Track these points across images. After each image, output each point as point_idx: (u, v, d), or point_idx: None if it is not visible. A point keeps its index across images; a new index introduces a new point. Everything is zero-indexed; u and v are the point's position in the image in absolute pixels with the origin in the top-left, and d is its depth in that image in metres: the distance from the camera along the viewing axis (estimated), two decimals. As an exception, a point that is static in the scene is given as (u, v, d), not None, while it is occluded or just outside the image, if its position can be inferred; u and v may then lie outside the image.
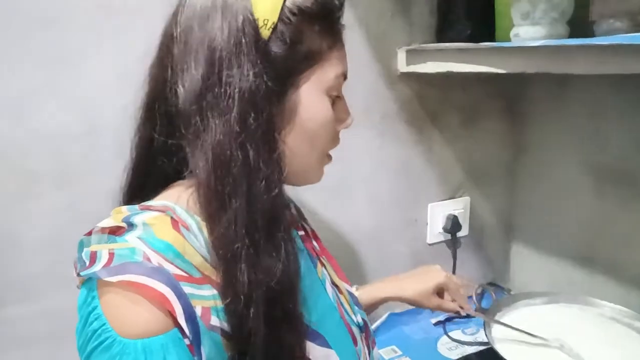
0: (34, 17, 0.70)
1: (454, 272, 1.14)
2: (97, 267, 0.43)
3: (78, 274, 0.45)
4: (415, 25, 0.98)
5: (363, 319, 0.64)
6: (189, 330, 0.43)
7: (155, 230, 0.45)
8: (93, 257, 0.44)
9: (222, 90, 0.46)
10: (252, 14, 0.47)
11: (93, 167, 0.75)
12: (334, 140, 0.57)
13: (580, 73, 0.63)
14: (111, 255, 0.43)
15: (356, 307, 0.65)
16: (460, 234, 1.14)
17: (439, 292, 0.83)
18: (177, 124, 0.49)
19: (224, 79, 0.46)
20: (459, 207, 1.13)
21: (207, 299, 0.45)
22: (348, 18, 0.92)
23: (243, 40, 0.46)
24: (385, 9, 0.96)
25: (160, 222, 0.46)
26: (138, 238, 0.44)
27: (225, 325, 0.46)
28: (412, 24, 0.98)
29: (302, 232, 0.64)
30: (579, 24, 0.73)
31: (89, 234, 0.47)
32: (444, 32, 0.96)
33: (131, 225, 0.46)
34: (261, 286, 0.45)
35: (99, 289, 0.43)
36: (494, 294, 0.88)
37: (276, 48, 0.48)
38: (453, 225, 1.11)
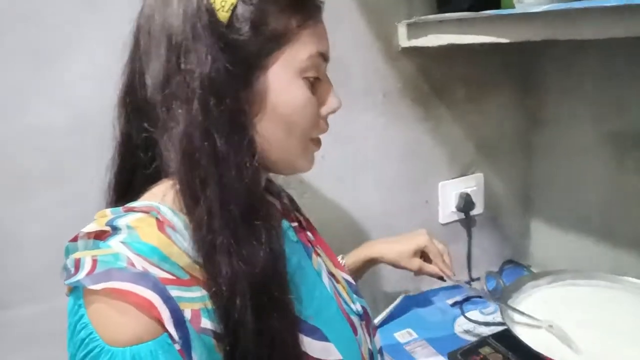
0: (14, 13, 0.69)
1: (469, 251, 1.11)
2: (81, 275, 0.42)
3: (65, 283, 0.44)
4: (415, -3, 0.94)
5: (363, 307, 0.63)
6: (178, 336, 0.42)
7: (140, 233, 0.44)
8: (77, 265, 0.43)
9: (182, 78, 0.45)
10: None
11: (84, 162, 0.74)
12: (316, 125, 0.53)
13: (587, 38, 0.58)
14: (94, 262, 0.42)
15: (355, 296, 0.64)
16: (474, 212, 1.11)
17: (423, 255, 0.84)
18: (148, 116, 0.48)
19: (182, 66, 0.45)
20: (471, 184, 1.09)
21: (196, 301, 0.44)
22: (344, -6, 0.90)
23: (198, 25, 0.44)
24: (383, -18, 0.91)
25: (145, 224, 0.45)
26: (122, 242, 0.43)
27: (217, 327, 0.44)
28: (411, -4, 0.94)
29: (295, 223, 0.62)
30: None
31: (75, 239, 0.46)
32: (445, 3, 0.91)
33: (115, 229, 0.45)
34: (244, 275, 0.44)
35: (85, 297, 0.42)
36: (502, 281, 0.85)
37: (237, 30, 0.46)
38: (466, 203, 1.08)
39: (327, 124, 0.55)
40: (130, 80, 0.50)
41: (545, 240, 1.17)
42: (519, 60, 1.07)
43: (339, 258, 0.73)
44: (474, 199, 1.09)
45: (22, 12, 0.69)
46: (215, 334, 0.44)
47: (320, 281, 0.59)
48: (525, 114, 1.11)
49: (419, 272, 0.85)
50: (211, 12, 0.45)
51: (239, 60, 0.46)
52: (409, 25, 0.92)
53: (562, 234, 1.12)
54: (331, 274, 0.62)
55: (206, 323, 0.44)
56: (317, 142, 0.55)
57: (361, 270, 0.85)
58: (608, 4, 0.53)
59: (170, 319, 0.41)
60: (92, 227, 0.46)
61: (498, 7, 0.82)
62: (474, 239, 1.12)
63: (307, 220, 0.67)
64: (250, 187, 0.46)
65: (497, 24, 0.71)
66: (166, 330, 0.41)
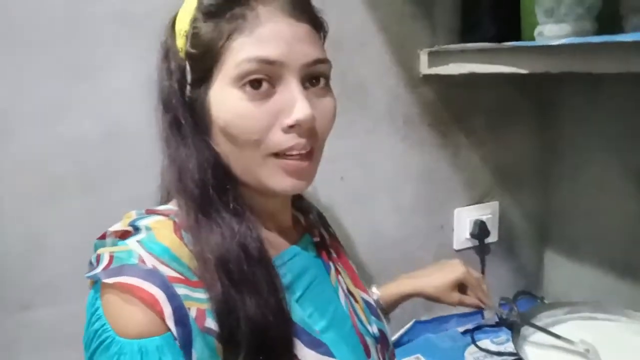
0: (56, 30, 0.73)
1: (482, 279, 1.10)
2: (99, 269, 0.45)
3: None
4: (439, 26, 0.96)
5: (380, 330, 0.63)
6: (177, 332, 0.44)
7: (156, 233, 0.48)
8: (98, 260, 0.46)
9: (157, 96, 0.53)
10: (172, 28, 0.52)
11: (115, 172, 0.78)
12: (264, 138, 0.48)
13: (605, 72, 0.59)
14: (111, 258, 0.46)
15: (373, 317, 0.63)
16: (489, 240, 1.10)
17: (460, 286, 0.80)
18: None
19: (157, 87, 0.53)
20: (487, 212, 1.10)
21: (202, 302, 0.46)
22: (368, 21, 0.93)
23: (162, 52, 0.53)
24: (407, 11, 0.94)
25: (162, 226, 0.49)
26: (138, 242, 0.47)
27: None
28: (435, 26, 0.96)
29: (317, 239, 0.63)
30: (609, 19, 0.69)
31: (103, 237, 0.50)
32: (468, 33, 0.94)
33: (136, 229, 0.48)
34: (210, 254, 0.47)
35: (102, 290, 0.45)
36: (516, 308, 0.83)
37: (190, 53, 0.50)
38: (481, 230, 1.08)
39: (297, 137, 0.49)
40: None
41: (560, 273, 1.16)
42: (539, 91, 1.08)
43: (374, 289, 0.74)
44: (489, 227, 1.09)
45: (63, 30, 0.73)
46: (218, 335, 0.46)
47: (337, 298, 0.59)
48: (544, 145, 1.12)
49: (457, 305, 0.81)
50: (170, 40, 0.52)
51: (189, 79, 0.51)
52: (430, 53, 0.94)
53: (577, 267, 1.11)
54: (350, 293, 0.62)
55: (210, 323, 0.46)
56: (295, 158, 0.49)
57: (395, 305, 0.81)
58: (627, 39, 0.54)
59: (171, 316, 0.43)
60: (117, 226, 0.50)
61: (519, 39, 0.85)
62: (488, 267, 1.11)
63: (332, 236, 0.68)
64: (202, 183, 0.50)
65: (518, 55, 0.73)
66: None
